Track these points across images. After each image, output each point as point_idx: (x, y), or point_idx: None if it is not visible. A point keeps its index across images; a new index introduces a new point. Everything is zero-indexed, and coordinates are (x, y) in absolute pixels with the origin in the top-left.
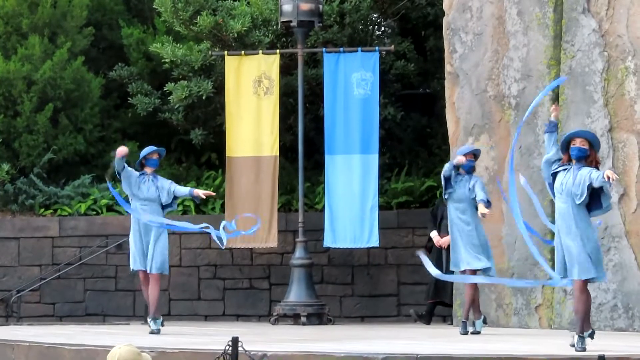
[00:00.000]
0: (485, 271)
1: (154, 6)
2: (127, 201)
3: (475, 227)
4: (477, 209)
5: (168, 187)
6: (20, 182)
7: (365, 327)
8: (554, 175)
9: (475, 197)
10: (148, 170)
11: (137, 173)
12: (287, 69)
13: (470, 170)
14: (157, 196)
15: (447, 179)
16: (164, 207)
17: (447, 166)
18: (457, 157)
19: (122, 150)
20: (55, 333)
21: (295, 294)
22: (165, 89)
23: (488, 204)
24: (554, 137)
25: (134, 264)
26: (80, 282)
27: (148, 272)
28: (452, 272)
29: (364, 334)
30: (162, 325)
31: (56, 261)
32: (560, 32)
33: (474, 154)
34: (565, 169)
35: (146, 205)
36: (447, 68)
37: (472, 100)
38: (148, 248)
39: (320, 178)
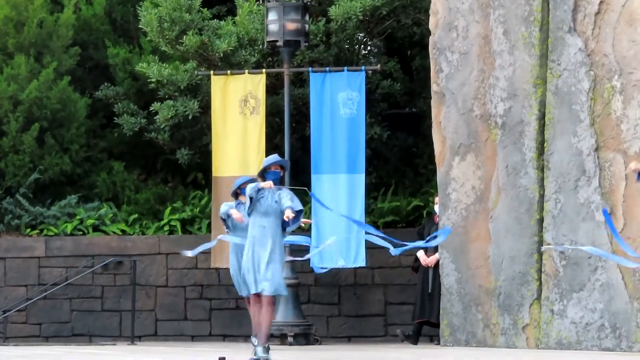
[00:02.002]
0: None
1: (140, 26)
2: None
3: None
4: (283, 221)
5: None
6: (6, 202)
7: (353, 347)
8: None
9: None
10: (242, 199)
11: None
12: (273, 88)
13: (276, 182)
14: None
15: (251, 198)
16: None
17: (251, 187)
18: (266, 182)
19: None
20: (41, 354)
21: (282, 314)
22: (151, 108)
23: (298, 213)
24: None
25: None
26: (66, 303)
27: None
28: (440, 293)
29: (351, 354)
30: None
31: (42, 281)
32: (547, 52)
33: (281, 165)
34: None
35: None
36: (433, 87)
37: (459, 120)
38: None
39: (307, 198)
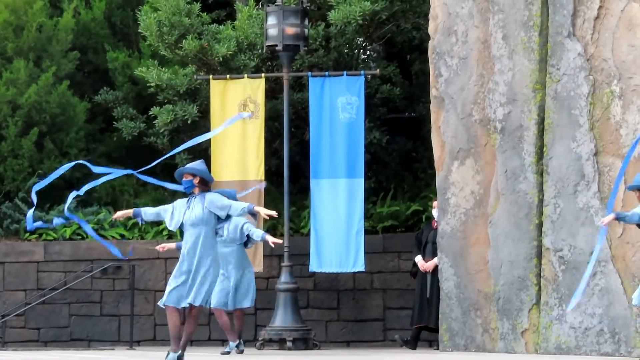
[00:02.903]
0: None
1: (139, 30)
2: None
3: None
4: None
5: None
6: (5, 207)
7: (351, 352)
8: None
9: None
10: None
11: None
12: (272, 93)
13: (189, 189)
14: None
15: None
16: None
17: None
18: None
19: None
20: (40, 359)
21: (281, 319)
22: (150, 113)
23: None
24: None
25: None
26: (65, 307)
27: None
28: (438, 298)
29: (350, 359)
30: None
31: (41, 286)
32: (546, 56)
33: (192, 173)
34: None
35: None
36: (433, 92)
37: (458, 124)
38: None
39: (306, 202)
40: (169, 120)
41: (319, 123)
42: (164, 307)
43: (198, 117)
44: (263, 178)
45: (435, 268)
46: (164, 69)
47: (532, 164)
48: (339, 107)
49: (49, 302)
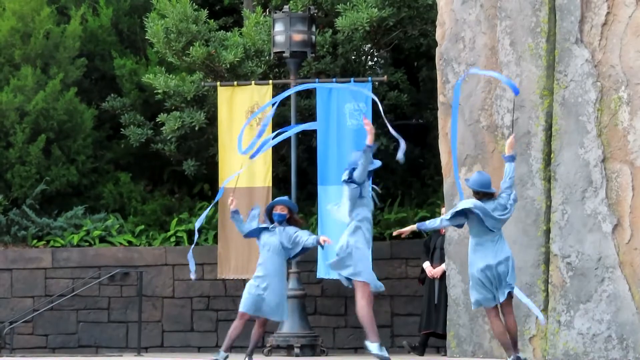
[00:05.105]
0: None
1: (146, 37)
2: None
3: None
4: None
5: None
6: (13, 214)
7: (359, 359)
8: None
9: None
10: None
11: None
12: None
13: (282, 222)
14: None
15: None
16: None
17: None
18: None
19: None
20: None
21: (289, 325)
22: (157, 119)
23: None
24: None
25: None
26: (73, 314)
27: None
28: (446, 304)
29: None
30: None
31: (49, 292)
32: (553, 63)
33: (289, 207)
34: None
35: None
36: (440, 98)
37: (465, 131)
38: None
39: (313, 209)
40: (176, 127)
41: (326, 130)
42: None
43: (205, 124)
44: (270, 185)
45: (443, 274)
46: (171, 75)
47: (540, 170)
48: (346, 113)
49: (57, 309)
